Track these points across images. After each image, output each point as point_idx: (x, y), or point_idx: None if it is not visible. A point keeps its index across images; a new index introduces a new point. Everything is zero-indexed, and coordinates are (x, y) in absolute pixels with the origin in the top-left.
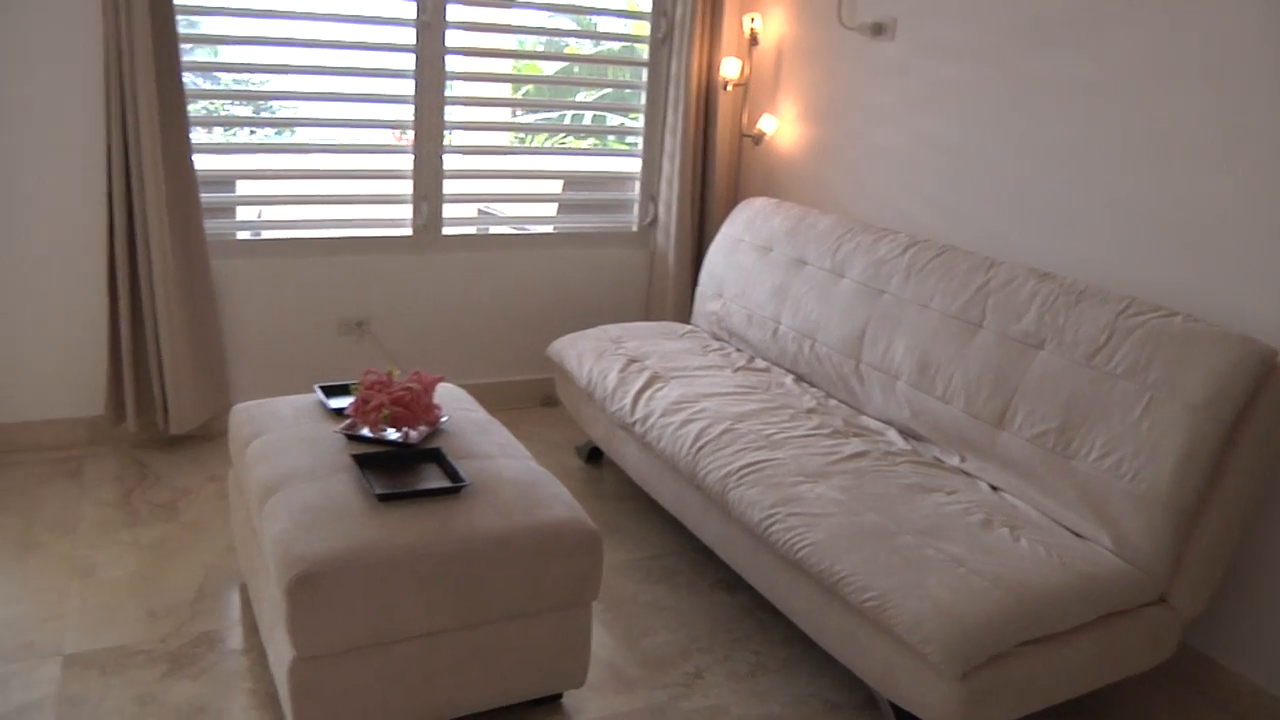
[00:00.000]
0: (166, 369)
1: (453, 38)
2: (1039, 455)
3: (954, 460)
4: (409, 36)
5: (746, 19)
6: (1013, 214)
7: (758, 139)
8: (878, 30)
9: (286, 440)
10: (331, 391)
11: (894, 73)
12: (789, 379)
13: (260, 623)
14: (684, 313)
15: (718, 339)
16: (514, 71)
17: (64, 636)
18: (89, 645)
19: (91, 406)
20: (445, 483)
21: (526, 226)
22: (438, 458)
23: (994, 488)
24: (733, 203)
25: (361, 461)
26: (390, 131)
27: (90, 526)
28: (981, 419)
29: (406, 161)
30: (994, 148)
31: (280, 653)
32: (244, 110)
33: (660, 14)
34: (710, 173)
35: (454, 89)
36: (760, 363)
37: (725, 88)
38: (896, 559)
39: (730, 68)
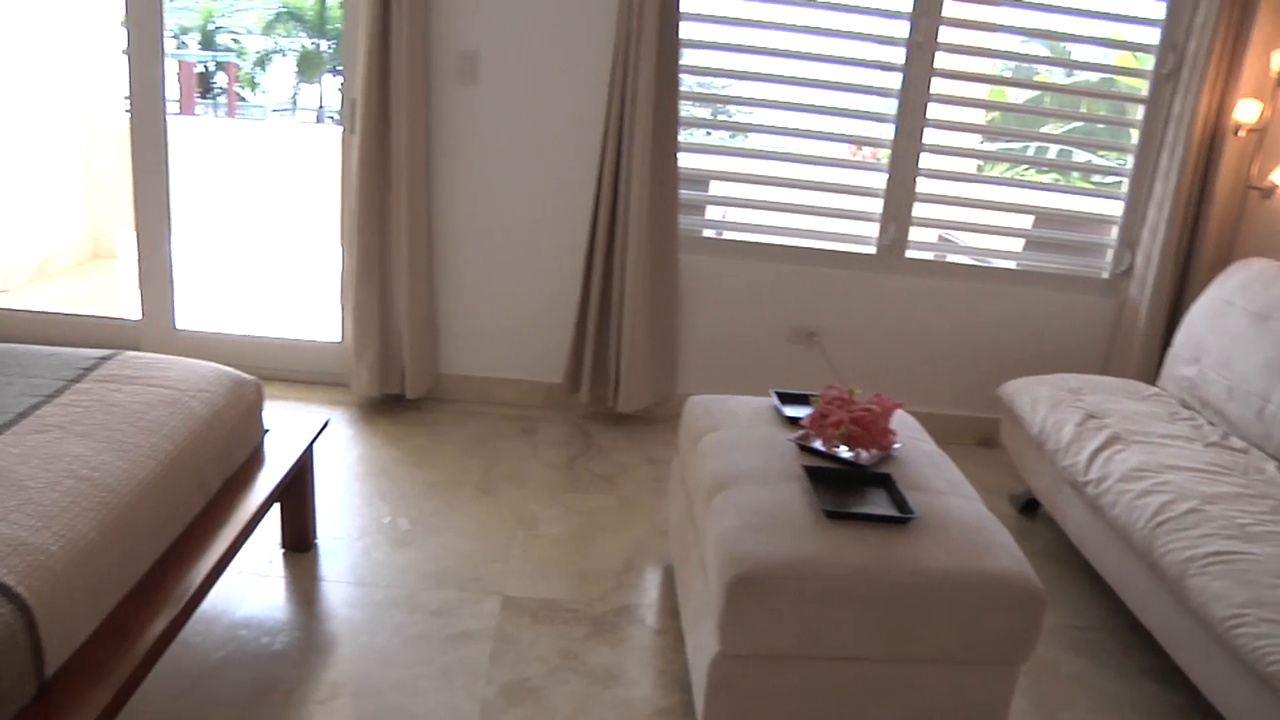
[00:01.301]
0: (624, 350)
1: (939, 60)
2: None
3: None
4: (898, 56)
5: (1277, 55)
6: None
7: (1267, 192)
8: None
9: (740, 440)
10: (787, 398)
11: None
12: (1271, 465)
13: (682, 609)
14: (1149, 373)
15: (1187, 407)
16: (986, 98)
17: (506, 579)
18: (525, 592)
19: (551, 374)
20: (893, 511)
21: (987, 259)
22: (887, 484)
23: None
24: (1225, 261)
25: (813, 474)
26: (847, 147)
27: (537, 484)
28: None
29: (873, 179)
30: None
31: (703, 644)
32: (701, 112)
33: (1168, 48)
34: (1203, 225)
35: (931, 111)
36: (1237, 442)
37: (1236, 132)
38: None
39: (1247, 110)
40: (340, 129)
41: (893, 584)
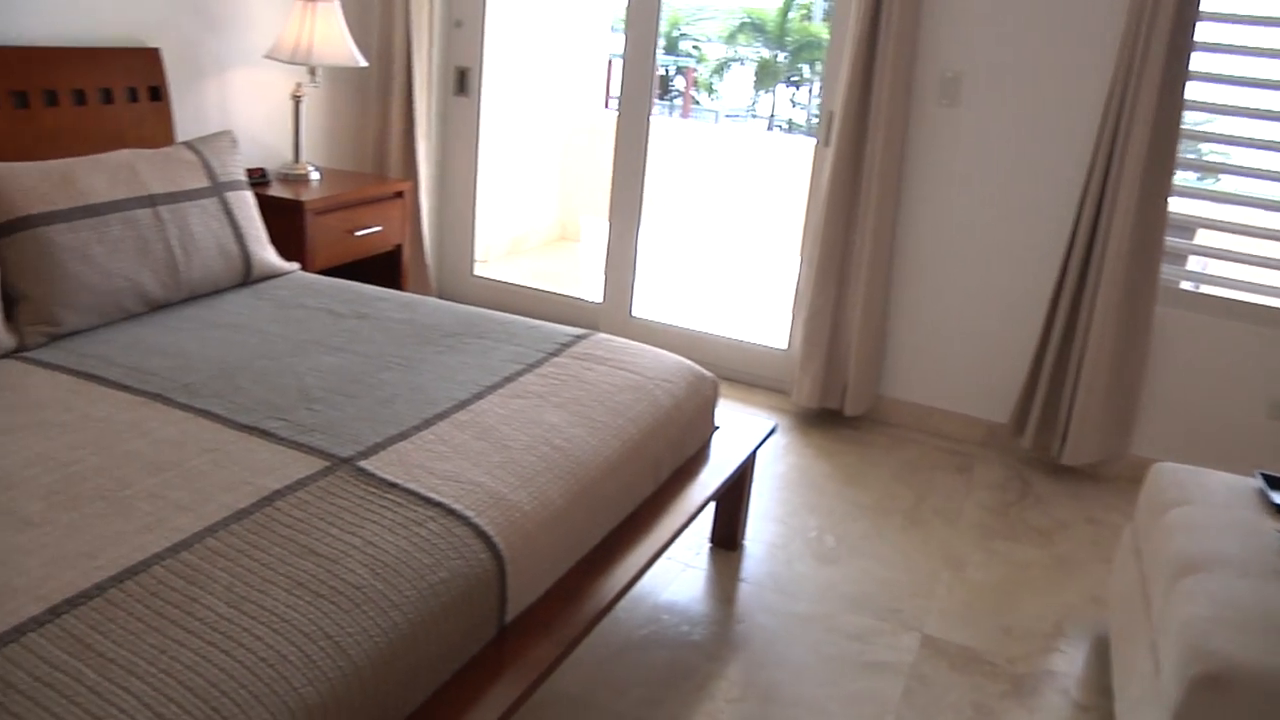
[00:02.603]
0: (1079, 398)
1: None
2: None
3: None
4: None
5: None
6: None
7: None
8: None
9: (1215, 520)
10: (1276, 483)
11: None
12: None
13: (1118, 691)
14: None
15: None
16: None
17: (926, 617)
18: (945, 634)
19: (995, 412)
20: None
21: None
22: None
23: None
24: None
25: None
26: None
27: (968, 524)
28: None
29: None
30: None
31: None
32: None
33: None
34: None
35: None
36: None
37: None
38: None
39: None
40: (796, 137)
41: None
